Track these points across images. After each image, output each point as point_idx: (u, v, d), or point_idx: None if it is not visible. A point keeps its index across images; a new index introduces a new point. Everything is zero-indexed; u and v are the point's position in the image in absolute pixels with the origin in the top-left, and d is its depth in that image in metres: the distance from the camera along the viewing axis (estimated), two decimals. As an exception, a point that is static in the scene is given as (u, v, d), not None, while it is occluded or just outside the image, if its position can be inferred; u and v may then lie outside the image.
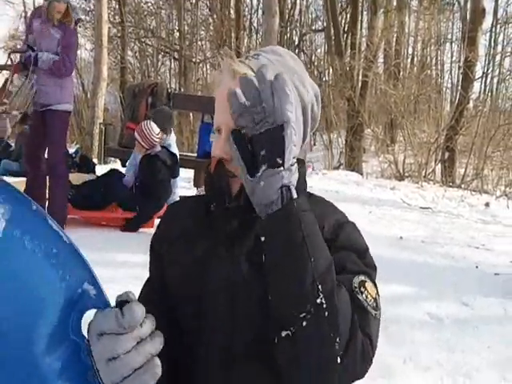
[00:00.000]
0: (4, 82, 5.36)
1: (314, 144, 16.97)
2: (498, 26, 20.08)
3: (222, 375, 1.01)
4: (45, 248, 0.82)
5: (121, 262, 4.05)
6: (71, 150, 9.42)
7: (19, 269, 0.81)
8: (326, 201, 1.16)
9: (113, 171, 5.74)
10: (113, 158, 10.52)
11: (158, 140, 5.27)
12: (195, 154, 7.66)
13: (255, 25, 22.07)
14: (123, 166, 6.80)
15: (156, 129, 5.25)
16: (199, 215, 1.11)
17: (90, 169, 7.58)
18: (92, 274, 0.85)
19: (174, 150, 5.66)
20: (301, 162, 1.10)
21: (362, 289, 0.94)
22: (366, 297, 0.94)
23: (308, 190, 1.12)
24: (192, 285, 1.05)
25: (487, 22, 16.86)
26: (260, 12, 20.79)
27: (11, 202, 0.80)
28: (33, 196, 4.13)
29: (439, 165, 12.64)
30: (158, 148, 5.26)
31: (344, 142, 14.32)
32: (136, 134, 5.21)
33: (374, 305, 0.95)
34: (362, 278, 0.96)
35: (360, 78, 14.82)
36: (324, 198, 1.17)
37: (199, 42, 21.95)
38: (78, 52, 20.64)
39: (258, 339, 0.99)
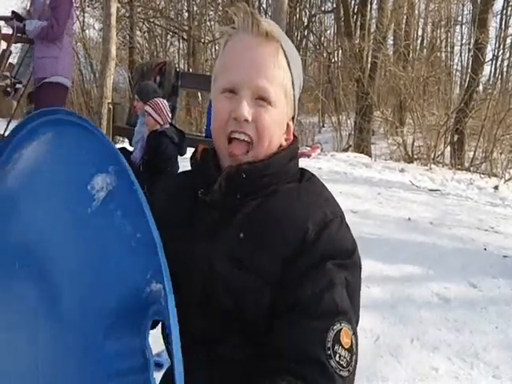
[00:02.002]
0: (7, 55, 5.31)
1: (323, 126, 16.91)
2: (509, 8, 19.75)
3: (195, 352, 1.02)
4: (130, 229, 0.81)
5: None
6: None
7: (100, 240, 0.83)
8: (319, 189, 1.08)
9: (121, 150, 5.73)
10: (121, 138, 10.54)
11: (170, 117, 5.26)
12: (204, 134, 7.65)
13: (264, 5, 21.87)
14: (131, 145, 6.79)
15: (168, 106, 5.23)
16: (186, 198, 1.09)
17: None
18: (166, 277, 0.79)
19: None
20: (294, 138, 1.11)
21: (336, 347, 0.89)
22: (340, 357, 0.89)
23: (316, 171, 1.11)
24: (172, 262, 1.05)
25: (498, 3, 16.68)
26: (269, -8, 20.59)
27: (120, 176, 0.84)
28: None
29: (448, 147, 12.57)
30: (166, 125, 5.25)
31: (353, 124, 14.26)
32: (151, 110, 5.17)
33: (348, 360, 0.90)
34: (338, 326, 0.90)
35: (369, 59, 14.71)
36: (319, 185, 1.09)
37: (208, 23, 21.79)
38: (87, 31, 20.56)
39: (230, 330, 0.99)
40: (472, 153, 12.30)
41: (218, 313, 0.99)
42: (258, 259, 0.96)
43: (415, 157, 12.30)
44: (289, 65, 1.03)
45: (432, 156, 11.85)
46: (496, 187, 8.68)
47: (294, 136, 1.11)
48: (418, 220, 5.97)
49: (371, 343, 2.98)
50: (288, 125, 1.09)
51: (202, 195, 1.03)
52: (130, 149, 5.97)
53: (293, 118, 1.10)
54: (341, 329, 0.90)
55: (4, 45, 5.23)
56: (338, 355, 0.88)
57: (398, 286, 3.90)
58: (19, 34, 4.98)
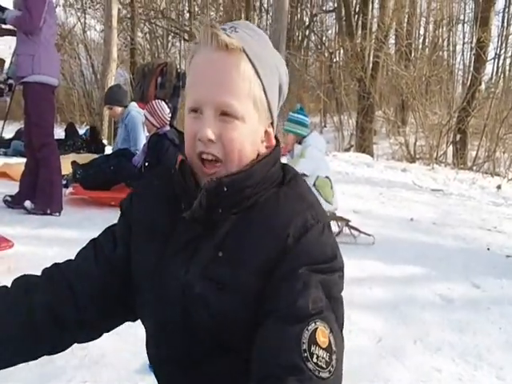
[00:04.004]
0: None
1: (325, 126, 16.89)
2: None
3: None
4: None
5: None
6: (81, 131, 9.46)
7: None
8: (301, 192, 1.04)
9: (123, 150, 5.73)
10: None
11: (168, 119, 5.25)
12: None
13: (265, 5, 21.86)
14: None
15: (166, 108, 5.22)
16: (165, 210, 1.06)
17: (100, 150, 7.60)
18: None
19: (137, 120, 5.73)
20: (276, 140, 1.08)
21: (313, 348, 0.86)
22: (318, 358, 0.86)
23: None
24: (149, 280, 1.04)
25: (500, 2, 16.65)
26: (270, -8, 20.58)
27: None
28: (27, 180, 4.09)
29: (451, 147, 12.55)
30: (167, 128, 5.24)
31: (355, 124, 14.24)
32: (147, 113, 5.18)
33: (327, 360, 0.87)
34: (312, 326, 0.88)
35: (371, 58, 14.70)
36: (301, 187, 1.06)
37: (200, 18, 21.74)
38: (88, 33, 20.55)
39: (213, 349, 0.98)
40: (475, 152, 12.28)
41: (198, 333, 0.98)
42: (238, 277, 0.94)
43: (417, 156, 12.29)
44: (257, 72, 0.98)
45: (434, 156, 11.84)
46: (499, 186, 8.66)
47: (277, 139, 1.08)
48: (421, 220, 5.95)
49: (373, 344, 2.96)
50: (267, 132, 1.05)
51: (183, 211, 1.01)
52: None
53: (272, 123, 1.06)
54: (316, 328, 0.88)
55: None
56: (315, 356, 0.86)
57: (401, 287, 3.88)
58: (3, 26, 4.95)
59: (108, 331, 1.16)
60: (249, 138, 0.99)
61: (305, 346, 0.86)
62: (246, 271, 0.94)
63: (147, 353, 1.11)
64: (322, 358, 0.86)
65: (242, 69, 0.96)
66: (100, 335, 1.15)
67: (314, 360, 0.85)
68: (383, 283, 3.90)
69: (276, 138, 1.08)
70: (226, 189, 0.96)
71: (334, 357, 0.88)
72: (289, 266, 0.93)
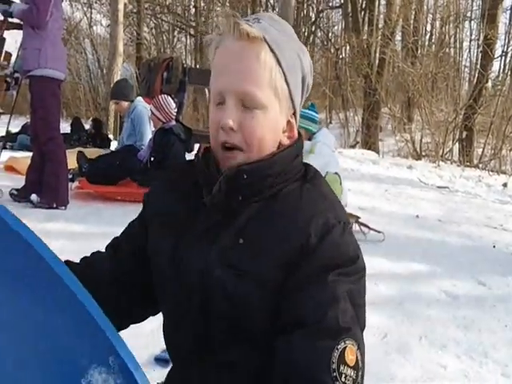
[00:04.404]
0: None
1: (331, 122, 16.86)
2: (520, 4, 19.62)
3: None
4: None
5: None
6: (87, 126, 9.47)
7: None
8: (323, 191, 1.04)
9: (129, 146, 5.74)
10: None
11: (174, 114, 5.25)
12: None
13: (272, 1, 21.79)
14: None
15: (172, 103, 5.22)
16: (187, 196, 1.07)
17: (106, 145, 7.61)
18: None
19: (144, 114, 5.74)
20: (298, 134, 1.08)
21: (342, 367, 0.86)
22: (346, 377, 0.86)
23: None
24: (167, 270, 1.04)
25: (507, -2, 16.54)
26: (277, -12, 20.52)
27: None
28: (33, 174, 4.07)
29: (457, 144, 12.51)
30: (173, 122, 5.24)
31: (360, 120, 14.21)
32: (153, 107, 5.18)
33: (354, 378, 0.88)
34: (342, 345, 0.88)
35: (377, 55, 14.65)
36: (323, 186, 1.05)
37: (215, 19, 21.74)
38: (94, 28, 20.56)
39: (229, 338, 0.98)
40: (481, 150, 12.23)
41: (216, 320, 0.97)
42: (258, 265, 0.94)
43: (423, 154, 12.26)
44: (278, 62, 0.98)
45: (440, 153, 11.80)
46: (505, 184, 8.63)
47: (299, 133, 1.08)
48: (427, 217, 5.94)
49: (379, 340, 2.96)
50: (289, 122, 1.05)
51: (203, 197, 1.01)
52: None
53: (294, 113, 1.06)
54: (345, 347, 0.88)
55: None
56: (343, 376, 0.86)
57: (406, 283, 3.87)
58: (9, 20, 4.95)
59: (134, 322, 1.19)
60: (270, 127, 1.00)
61: (334, 366, 0.86)
62: (265, 260, 0.94)
63: (164, 338, 1.11)
64: (350, 376, 0.87)
65: (263, 58, 0.96)
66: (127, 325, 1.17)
67: (343, 380, 0.86)
68: (389, 279, 3.89)
69: (299, 131, 1.08)
70: (245, 176, 0.97)
71: (360, 373, 0.89)
72: (313, 268, 0.92)
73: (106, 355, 0.65)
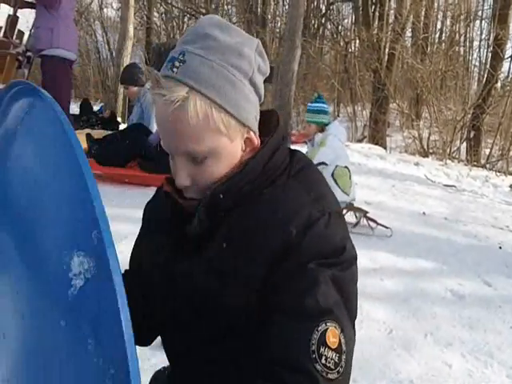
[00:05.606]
0: (11, 20, 5.25)
1: (338, 115, 16.81)
2: (532, 5, 19.48)
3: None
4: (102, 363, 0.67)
5: (138, 219, 4.07)
6: (96, 108, 9.43)
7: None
8: (308, 185, 1.01)
9: (139, 125, 5.70)
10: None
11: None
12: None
13: (283, -8, 21.66)
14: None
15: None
16: (168, 225, 1.08)
17: (115, 127, 7.58)
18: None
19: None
20: (275, 128, 1.05)
21: (322, 349, 0.85)
22: (326, 359, 0.85)
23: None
24: (158, 278, 1.07)
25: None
26: (289, -22, 20.38)
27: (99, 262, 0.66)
28: None
29: (464, 143, 12.47)
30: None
31: (368, 115, 14.16)
32: None
33: (336, 361, 0.86)
34: (323, 327, 0.86)
35: (387, 50, 14.58)
36: (310, 178, 1.03)
37: (225, 6, 21.64)
38: (105, 10, 20.48)
39: (219, 341, 0.98)
40: (488, 150, 12.19)
41: (206, 327, 0.98)
42: (242, 266, 0.93)
43: (430, 151, 12.23)
44: (213, 100, 0.93)
45: (448, 151, 11.77)
46: (512, 186, 8.60)
47: (276, 126, 1.05)
48: (433, 215, 5.92)
49: (384, 336, 2.95)
50: (247, 138, 1.01)
51: (186, 227, 1.02)
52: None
53: (249, 128, 1.00)
54: (326, 329, 0.86)
55: (11, 11, 5.18)
56: (323, 357, 0.84)
57: (412, 280, 3.86)
58: None
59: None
60: (225, 163, 0.99)
61: (314, 348, 0.85)
62: (249, 262, 0.93)
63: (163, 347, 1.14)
64: (331, 359, 0.85)
65: (193, 111, 0.91)
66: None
67: (323, 361, 0.84)
68: (395, 275, 3.88)
69: (276, 127, 1.05)
70: (221, 196, 0.96)
71: (343, 357, 0.87)
72: (295, 262, 0.91)
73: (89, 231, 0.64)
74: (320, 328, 0.86)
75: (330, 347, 0.85)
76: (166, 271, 1.03)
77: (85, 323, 0.65)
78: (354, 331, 0.93)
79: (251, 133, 1.01)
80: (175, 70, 0.92)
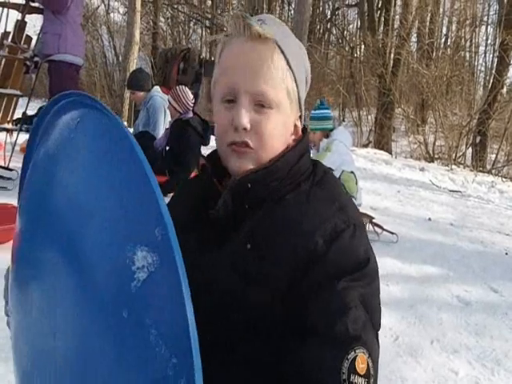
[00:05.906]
0: (19, 25, 5.27)
1: (343, 120, 16.82)
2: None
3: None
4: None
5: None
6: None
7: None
8: (331, 193, 1.01)
9: (145, 133, 5.72)
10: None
11: (191, 105, 5.22)
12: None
13: (288, -4, 21.73)
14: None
15: (190, 94, 5.20)
16: (197, 206, 1.06)
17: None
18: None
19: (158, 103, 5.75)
20: (303, 133, 1.07)
21: (352, 377, 0.84)
22: None
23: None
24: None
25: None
26: (294, -17, 20.42)
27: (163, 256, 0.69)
28: None
29: (470, 149, 12.45)
30: (190, 114, 5.22)
31: (374, 120, 14.15)
32: (171, 98, 5.17)
33: None
34: (352, 354, 0.86)
35: (392, 55, 14.58)
36: (332, 187, 1.03)
37: (231, 11, 21.70)
38: (111, 15, 20.56)
39: (238, 344, 0.95)
40: (494, 155, 12.16)
41: (225, 327, 0.96)
42: (266, 270, 0.92)
43: (436, 156, 12.20)
44: (288, 63, 0.98)
45: (453, 156, 11.74)
46: (518, 192, 8.58)
47: (303, 131, 1.06)
48: (439, 220, 5.90)
49: (391, 342, 2.94)
50: (296, 126, 1.04)
51: (209, 210, 1.00)
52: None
53: (300, 116, 1.05)
54: (355, 356, 0.86)
55: (19, 16, 5.21)
56: None
57: (417, 286, 3.86)
58: (31, 4, 4.96)
59: None
60: (281, 129, 0.99)
61: (344, 376, 0.84)
62: (274, 265, 0.92)
63: None
64: None
65: (276, 59, 0.95)
66: None
67: None
68: (400, 281, 3.88)
69: (303, 130, 1.07)
70: (249, 185, 0.96)
71: (371, 381, 0.87)
72: (322, 274, 0.90)
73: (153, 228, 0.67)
74: (350, 356, 0.86)
75: (359, 374, 0.85)
76: (186, 264, 1.03)
77: (148, 314, 0.66)
78: (378, 344, 0.93)
79: (299, 122, 1.04)
80: (265, 26, 0.96)
